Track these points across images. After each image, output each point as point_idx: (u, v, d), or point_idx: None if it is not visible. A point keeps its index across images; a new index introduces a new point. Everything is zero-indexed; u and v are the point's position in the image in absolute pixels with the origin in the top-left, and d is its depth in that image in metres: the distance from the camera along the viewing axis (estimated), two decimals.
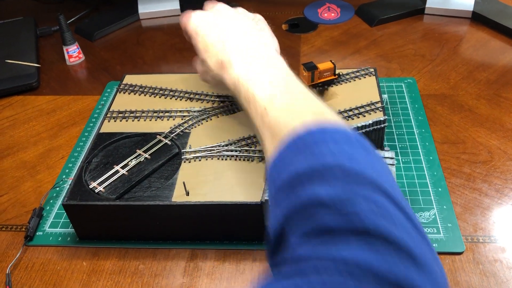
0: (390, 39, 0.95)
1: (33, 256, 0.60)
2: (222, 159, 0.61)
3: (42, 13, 1.13)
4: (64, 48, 0.94)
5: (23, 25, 1.05)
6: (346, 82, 0.71)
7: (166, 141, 0.63)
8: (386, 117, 0.64)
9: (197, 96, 0.70)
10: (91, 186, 0.58)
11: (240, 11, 0.63)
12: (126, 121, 0.68)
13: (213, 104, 0.69)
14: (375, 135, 0.65)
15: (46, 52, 0.99)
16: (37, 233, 0.62)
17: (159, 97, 0.71)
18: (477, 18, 0.97)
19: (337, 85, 0.70)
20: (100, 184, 0.58)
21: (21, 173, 0.71)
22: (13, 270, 0.58)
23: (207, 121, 0.67)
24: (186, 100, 0.70)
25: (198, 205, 0.55)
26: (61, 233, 0.62)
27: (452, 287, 0.53)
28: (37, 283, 0.57)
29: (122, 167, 0.60)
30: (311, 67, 0.67)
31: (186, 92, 0.71)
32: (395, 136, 0.71)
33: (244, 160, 0.60)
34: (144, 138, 0.64)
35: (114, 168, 0.60)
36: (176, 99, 0.71)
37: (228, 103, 0.69)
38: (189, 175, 0.59)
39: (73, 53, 0.95)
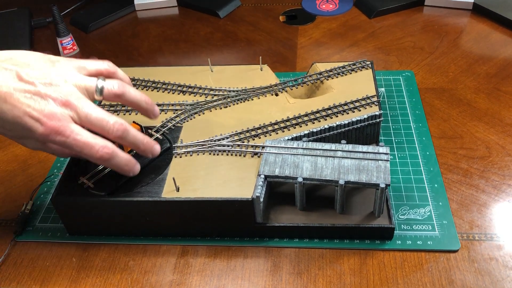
0: (389, 31, 0.93)
1: (22, 251, 0.59)
2: (214, 154, 0.60)
3: (37, 3, 1.12)
4: (58, 40, 0.93)
5: (17, 16, 1.04)
6: (342, 75, 0.69)
7: (158, 135, 0.62)
8: (382, 111, 0.63)
9: (190, 90, 0.69)
10: (80, 181, 0.57)
11: None
12: (118, 114, 0.67)
13: (206, 97, 0.68)
14: (371, 130, 0.64)
15: (41, 44, 0.98)
16: (26, 228, 0.61)
17: (151, 90, 0.70)
18: (478, 10, 0.95)
19: (332, 78, 0.69)
20: (89, 179, 0.57)
21: (12, 167, 0.71)
22: (1, 265, 0.57)
23: (199, 115, 0.65)
24: (178, 93, 0.69)
25: (188, 201, 0.54)
26: (50, 228, 0.61)
27: (446, 286, 0.52)
28: (26, 279, 0.56)
29: None
30: None
31: (179, 85, 0.70)
32: (392, 131, 0.70)
33: (236, 155, 0.59)
34: None
35: None
36: (168, 92, 0.69)
37: (221, 97, 0.68)
38: (180, 170, 0.58)
39: (67, 45, 0.94)
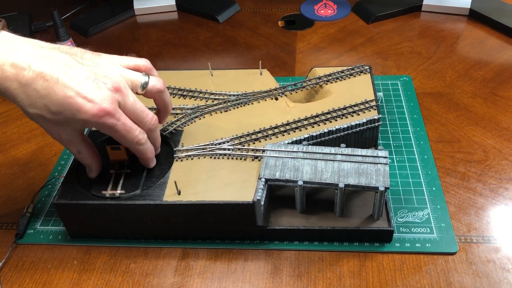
0: (387, 37, 0.94)
1: (24, 254, 0.59)
2: (215, 158, 0.60)
3: (37, 8, 1.12)
4: (58, 44, 0.93)
5: (17, 20, 1.04)
6: (340, 80, 0.70)
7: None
8: (380, 115, 0.63)
9: (190, 94, 0.70)
10: (107, 195, 0.57)
11: None
12: None
13: (206, 101, 0.69)
14: (369, 134, 0.64)
15: None
16: (27, 231, 0.61)
17: None
18: (474, 16, 0.96)
19: (331, 82, 0.70)
20: (113, 189, 0.57)
21: (13, 170, 0.71)
22: (3, 268, 0.58)
23: (200, 119, 0.66)
24: (179, 97, 0.70)
25: (189, 204, 0.55)
26: (52, 231, 0.61)
27: None
28: (27, 282, 0.56)
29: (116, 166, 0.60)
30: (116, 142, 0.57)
31: (179, 89, 0.71)
32: (390, 135, 0.71)
33: (237, 158, 0.60)
34: None
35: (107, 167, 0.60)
36: None
37: (221, 101, 0.68)
38: (181, 174, 0.58)
39: None
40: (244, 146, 0.61)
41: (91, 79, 0.50)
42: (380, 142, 0.69)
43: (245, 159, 0.59)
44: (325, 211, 0.58)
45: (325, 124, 0.63)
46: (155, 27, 1.04)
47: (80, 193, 0.57)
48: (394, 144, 0.69)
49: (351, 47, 0.92)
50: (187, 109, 0.67)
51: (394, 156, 0.67)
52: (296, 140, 0.61)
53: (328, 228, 0.56)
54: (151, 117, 0.55)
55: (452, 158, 0.67)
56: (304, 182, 0.55)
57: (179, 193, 0.56)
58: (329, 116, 0.64)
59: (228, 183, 0.57)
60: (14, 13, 1.07)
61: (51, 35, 1.01)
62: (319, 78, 0.71)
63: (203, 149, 0.61)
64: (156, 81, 0.56)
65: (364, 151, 0.57)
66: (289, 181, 0.56)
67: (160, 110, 0.60)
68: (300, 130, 0.62)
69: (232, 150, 0.61)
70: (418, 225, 0.58)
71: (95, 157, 0.57)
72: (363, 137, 0.64)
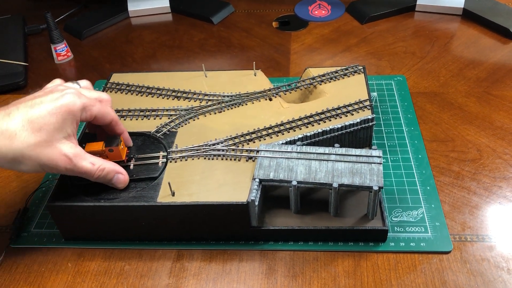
0: (381, 37, 0.94)
1: (18, 257, 0.59)
2: (209, 159, 0.60)
3: (31, 10, 1.12)
4: (52, 47, 0.93)
5: (11, 23, 1.04)
6: (334, 80, 0.70)
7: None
8: (374, 115, 0.63)
9: (184, 95, 0.70)
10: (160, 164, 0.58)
11: None
12: None
13: (200, 102, 0.69)
14: (364, 134, 0.64)
15: (35, 51, 0.98)
16: (22, 234, 0.61)
17: (146, 96, 0.71)
18: (468, 15, 0.97)
19: (325, 83, 0.70)
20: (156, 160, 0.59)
21: (7, 173, 0.71)
22: None
23: (194, 120, 0.66)
24: (173, 99, 0.70)
25: (183, 205, 0.55)
26: (46, 234, 0.61)
27: (439, 287, 0.52)
28: (21, 285, 0.56)
29: None
30: (114, 139, 0.59)
31: (173, 91, 0.71)
32: (384, 134, 0.71)
33: (231, 159, 0.60)
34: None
35: None
36: (163, 98, 0.70)
37: (215, 102, 0.68)
38: (175, 175, 0.58)
39: (61, 52, 0.94)
40: (238, 146, 0.61)
41: (56, 91, 0.53)
42: (375, 142, 0.69)
43: (239, 160, 0.59)
44: (320, 211, 0.58)
45: (319, 124, 0.63)
46: (149, 29, 1.04)
47: (73, 195, 0.56)
48: (389, 144, 0.69)
49: (345, 48, 0.92)
50: (181, 110, 0.67)
51: (388, 156, 0.67)
52: (290, 140, 0.61)
53: (323, 228, 0.56)
54: (105, 93, 0.59)
55: (446, 157, 0.67)
56: (298, 182, 0.55)
57: (173, 194, 0.56)
58: (323, 116, 0.64)
59: (222, 183, 0.57)
60: (8, 16, 1.07)
61: (45, 38, 1.01)
62: (313, 78, 0.71)
63: (197, 150, 0.61)
64: (83, 82, 0.60)
65: (358, 151, 0.57)
66: (283, 181, 0.56)
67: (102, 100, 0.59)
68: (294, 131, 0.62)
69: (226, 151, 0.60)
70: (413, 224, 0.58)
71: (109, 161, 0.57)
72: (357, 137, 0.64)
